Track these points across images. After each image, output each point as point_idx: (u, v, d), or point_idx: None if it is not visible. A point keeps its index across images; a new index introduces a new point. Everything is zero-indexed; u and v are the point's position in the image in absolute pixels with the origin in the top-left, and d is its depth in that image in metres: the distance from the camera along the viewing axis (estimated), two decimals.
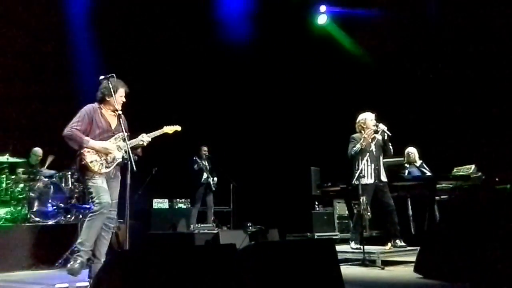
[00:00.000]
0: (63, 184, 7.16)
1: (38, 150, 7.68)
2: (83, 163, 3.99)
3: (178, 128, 4.68)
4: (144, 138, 4.30)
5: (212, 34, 10.09)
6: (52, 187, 7.00)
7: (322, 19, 10.58)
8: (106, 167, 4.07)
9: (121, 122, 4.14)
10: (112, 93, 4.14)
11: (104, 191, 3.99)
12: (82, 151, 3.99)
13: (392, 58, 9.29)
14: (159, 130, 4.54)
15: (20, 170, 7.19)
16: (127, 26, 9.40)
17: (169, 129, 4.60)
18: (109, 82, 4.18)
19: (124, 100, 4.32)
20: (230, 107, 10.42)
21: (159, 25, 9.81)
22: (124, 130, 4.12)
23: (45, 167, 7.56)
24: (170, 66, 10.01)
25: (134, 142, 4.27)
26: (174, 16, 9.85)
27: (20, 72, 8.47)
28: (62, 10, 8.75)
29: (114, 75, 4.17)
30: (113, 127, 4.24)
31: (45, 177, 7.17)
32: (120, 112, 4.19)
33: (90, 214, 3.98)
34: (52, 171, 7.37)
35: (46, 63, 8.52)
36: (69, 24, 8.83)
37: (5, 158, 6.77)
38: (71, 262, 3.96)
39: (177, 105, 9.88)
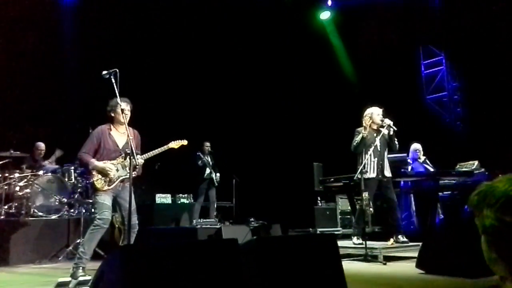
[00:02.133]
0: (66, 179, 7.19)
1: (40, 145, 7.70)
2: (91, 181, 4.48)
3: (184, 142, 4.89)
4: (139, 161, 4.44)
5: (215, 27, 10.07)
6: (55, 181, 7.03)
7: (325, 15, 10.55)
8: (109, 185, 4.40)
9: (129, 141, 4.20)
10: (114, 110, 4.47)
11: (107, 207, 4.34)
12: (90, 170, 4.40)
13: (400, 52, 9.26)
14: (164, 147, 4.71)
15: (24, 165, 7.21)
16: (128, 21, 9.37)
17: (175, 144, 4.81)
18: (112, 78, 4.18)
19: (126, 113, 4.45)
20: (233, 102, 10.41)
21: (160, 20, 9.80)
22: (132, 147, 4.16)
23: (53, 160, 7.59)
24: (172, 61, 10.00)
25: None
26: (175, 11, 9.83)
27: (23, 67, 8.48)
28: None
29: (117, 70, 4.16)
30: (120, 146, 4.52)
31: (48, 172, 7.19)
32: (128, 132, 4.27)
33: (92, 227, 4.31)
34: (55, 166, 7.40)
35: (49, 58, 8.51)
36: (69, 21, 8.83)
37: (8, 153, 6.80)
38: (73, 269, 4.19)
39: (179, 100, 9.88)
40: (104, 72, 4.19)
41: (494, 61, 8.07)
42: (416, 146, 7.66)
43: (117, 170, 4.44)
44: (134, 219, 4.45)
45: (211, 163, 8.72)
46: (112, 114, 4.53)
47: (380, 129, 5.95)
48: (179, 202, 8.84)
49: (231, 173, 8.79)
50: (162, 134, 4.85)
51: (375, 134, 5.95)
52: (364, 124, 6.02)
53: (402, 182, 7.22)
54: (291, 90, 10.45)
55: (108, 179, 4.39)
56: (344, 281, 2.99)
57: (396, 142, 6.00)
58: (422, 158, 7.57)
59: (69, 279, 4.00)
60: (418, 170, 7.29)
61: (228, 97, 10.38)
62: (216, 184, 8.69)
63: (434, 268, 4.29)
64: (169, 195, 8.77)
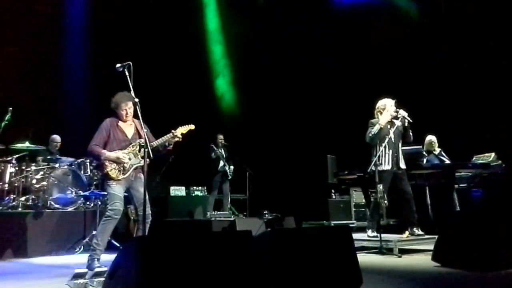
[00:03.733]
0: (82, 172, 7.26)
1: (56, 137, 7.77)
2: (104, 171, 4.46)
3: (192, 127, 4.88)
4: (154, 143, 4.53)
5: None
6: (71, 174, 7.11)
7: None
8: (123, 174, 4.46)
9: (138, 129, 4.56)
10: (116, 107, 4.57)
11: (119, 198, 4.41)
12: (103, 161, 4.44)
13: (412, 44, 9.13)
14: (173, 132, 4.68)
15: (40, 158, 7.30)
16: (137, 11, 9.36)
17: (183, 129, 4.80)
18: (126, 71, 4.20)
19: (128, 112, 4.57)
20: (246, 95, 10.39)
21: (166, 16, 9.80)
22: (141, 136, 4.42)
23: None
24: (184, 54, 10.00)
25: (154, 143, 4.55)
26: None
27: (39, 61, 8.56)
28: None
29: (131, 62, 4.16)
30: (129, 136, 4.62)
31: (65, 164, 7.27)
32: (132, 122, 4.63)
33: (104, 219, 4.40)
34: (71, 159, 7.47)
35: (65, 53, 8.58)
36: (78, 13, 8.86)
37: (25, 146, 6.88)
38: (89, 261, 4.31)
39: (193, 94, 9.90)
40: (118, 65, 4.21)
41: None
42: (431, 138, 7.57)
43: (130, 158, 4.51)
44: (148, 210, 4.47)
45: (224, 155, 8.73)
46: (116, 111, 4.61)
47: (394, 120, 5.90)
48: (193, 194, 8.89)
49: (244, 166, 8.79)
50: (175, 126, 4.84)
51: (389, 126, 5.90)
52: (376, 116, 5.98)
53: (417, 175, 7.13)
54: (305, 83, 10.37)
55: (122, 167, 4.45)
56: (360, 274, 2.97)
57: (411, 134, 5.94)
58: (437, 150, 7.47)
59: (85, 270, 4.04)
60: (433, 163, 7.21)
61: (241, 90, 10.36)
62: (230, 177, 8.71)
63: (450, 261, 4.25)
64: (183, 188, 8.83)
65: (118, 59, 4.26)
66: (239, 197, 9.44)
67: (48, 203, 6.71)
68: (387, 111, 5.91)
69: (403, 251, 5.26)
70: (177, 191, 8.67)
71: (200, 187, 9.00)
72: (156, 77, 9.00)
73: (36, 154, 7.30)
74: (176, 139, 4.64)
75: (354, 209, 8.69)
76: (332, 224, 7.98)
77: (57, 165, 7.10)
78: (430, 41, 9.03)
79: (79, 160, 7.36)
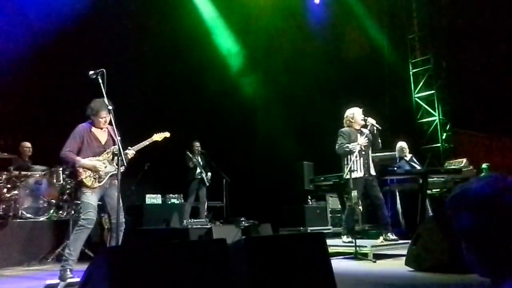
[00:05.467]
0: (54, 180, 7.10)
1: (26, 143, 7.58)
2: (79, 179, 4.36)
3: (167, 134, 4.96)
4: (129, 152, 4.54)
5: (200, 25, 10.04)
6: (43, 183, 6.96)
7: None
8: (99, 182, 4.38)
9: (112, 135, 4.50)
10: (94, 114, 4.46)
11: (92, 208, 4.31)
12: (77, 168, 4.34)
13: (380, 53, 9.32)
14: (148, 140, 4.78)
15: (11, 166, 7.12)
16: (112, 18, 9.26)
17: (158, 136, 4.87)
18: (99, 78, 4.16)
19: (106, 120, 4.50)
20: (221, 102, 10.38)
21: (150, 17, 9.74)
22: (115, 142, 4.38)
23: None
24: (160, 60, 9.94)
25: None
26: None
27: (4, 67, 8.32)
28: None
29: (104, 70, 4.13)
30: (103, 142, 4.54)
31: (37, 173, 7.11)
32: (105, 129, 4.55)
33: (77, 228, 4.30)
34: (44, 167, 7.31)
35: (33, 56, 8.36)
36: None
37: None
38: (61, 272, 4.18)
39: (168, 100, 9.84)
40: (91, 72, 4.17)
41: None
42: (401, 144, 7.71)
43: (105, 166, 4.43)
44: (121, 218, 4.43)
45: (201, 163, 8.70)
46: (92, 118, 4.51)
47: (362, 129, 6.02)
48: (169, 202, 8.79)
49: (221, 173, 8.77)
50: (151, 134, 4.84)
51: (358, 134, 6.01)
52: (345, 125, 6.10)
53: (388, 181, 7.25)
54: (280, 89, 10.45)
55: (97, 175, 4.37)
56: (333, 279, 3.00)
57: (380, 141, 6.07)
58: (409, 156, 7.62)
59: (57, 281, 3.98)
60: (405, 169, 7.34)
61: (216, 97, 10.35)
62: (207, 184, 8.68)
63: (423, 265, 4.32)
64: (159, 196, 8.72)
65: (89, 64, 4.22)
66: (216, 204, 9.40)
67: (20, 212, 6.55)
68: (355, 123, 6.06)
69: (377, 256, 5.33)
70: (153, 199, 8.56)
71: (176, 195, 8.91)
72: (130, 83, 8.90)
73: (7, 163, 7.12)
74: (129, 155, 4.56)
75: (330, 215, 8.76)
76: (309, 230, 8.02)
77: (29, 174, 6.94)
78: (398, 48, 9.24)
79: (51, 169, 7.21)
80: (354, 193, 5.43)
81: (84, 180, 4.31)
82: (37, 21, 8.23)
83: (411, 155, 7.64)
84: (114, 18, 9.07)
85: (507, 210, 1.01)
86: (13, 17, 8.23)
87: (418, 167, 7.39)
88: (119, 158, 4.03)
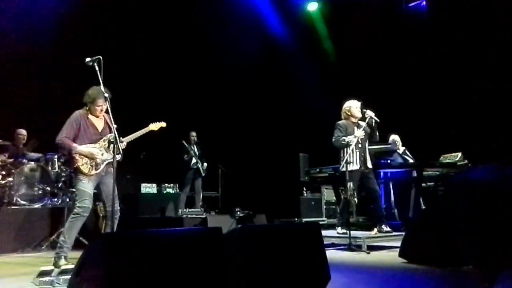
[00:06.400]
0: (49, 168, 7.08)
1: (21, 131, 7.55)
2: (75, 166, 4.32)
3: (163, 124, 4.95)
4: (121, 144, 4.45)
5: (199, 21, 9.98)
6: (38, 170, 6.94)
7: (312, 6, 10.49)
8: (96, 169, 4.37)
9: (108, 123, 4.48)
10: (91, 102, 4.44)
11: (88, 196, 4.30)
12: (73, 155, 4.30)
13: (378, 45, 9.29)
14: (144, 129, 4.76)
15: (6, 153, 7.09)
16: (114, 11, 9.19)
17: (154, 126, 4.87)
18: (95, 65, 4.12)
19: (103, 108, 4.47)
20: (219, 92, 10.36)
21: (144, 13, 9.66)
22: (111, 130, 4.37)
23: (30, 150, 7.46)
24: (157, 50, 9.89)
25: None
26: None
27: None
28: None
29: (101, 57, 4.09)
30: (100, 130, 4.52)
31: (32, 160, 7.09)
32: (102, 116, 4.53)
33: (72, 216, 4.28)
34: (39, 155, 7.29)
35: (26, 44, 8.27)
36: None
37: None
38: (55, 259, 4.21)
39: (166, 90, 9.81)
40: (88, 60, 4.13)
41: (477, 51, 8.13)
42: (394, 137, 7.71)
43: (102, 154, 4.42)
44: (116, 205, 4.40)
45: (197, 153, 8.70)
46: (89, 105, 4.48)
47: (360, 122, 6.01)
48: (164, 192, 8.80)
49: (217, 163, 8.78)
50: (147, 123, 4.83)
51: (355, 127, 6.00)
52: (342, 117, 6.08)
53: (382, 173, 7.27)
54: (277, 81, 10.42)
55: (94, 163, 4.35)
56: (328, 269, 3.01)
57: (377, 133, 6.07)
58: (402, 149, 7.63)
59: (51, 268, 3.97)
60: (398, 162, 7.36)
61: (214, 87, 10.32)
62: (203, 174, 8.68)
63: (416, 257, 4.35)
64: (154, 185, 8.73)
65: (85, 52, 4.19)
66: (211, 195, 9.41)
67: (14, 199, 6.53)
68: (352, 116, 6.05)
69: (371, 248, 5.36)
70: (148, 188, 8.56)
71: (171, 184, 8.92)
72: (126, 72, 8.86)
73: (1, 149, 7.09)
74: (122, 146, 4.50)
75: (325, 207, 8.81)
76: (303, 221, 8.05)
77: (24, 161, 6.92)
78: (396, 41, 9.22)
79: (46, 156, 7.19)
80: (350, 185, 5.44)
81: (80, 167, 4.29)
82: (32, 5, 8.15)
83: (404, 148, 7.65)
84: (110, 4, 9.00)
85: (504, 198, 1.01)
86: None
87: (411, 160, 7.41)
88: (115, 146, 4.02)
